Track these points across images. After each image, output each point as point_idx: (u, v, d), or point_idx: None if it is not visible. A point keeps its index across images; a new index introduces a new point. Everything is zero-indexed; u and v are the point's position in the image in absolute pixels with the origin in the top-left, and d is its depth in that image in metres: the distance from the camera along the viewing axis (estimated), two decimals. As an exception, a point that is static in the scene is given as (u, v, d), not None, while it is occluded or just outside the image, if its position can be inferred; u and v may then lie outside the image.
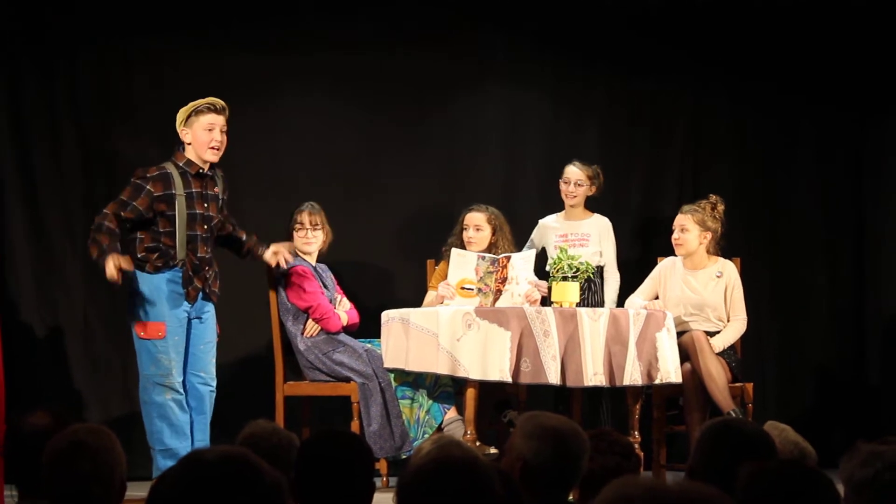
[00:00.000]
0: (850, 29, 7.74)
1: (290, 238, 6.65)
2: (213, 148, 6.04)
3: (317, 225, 6.64)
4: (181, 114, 6.06)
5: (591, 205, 7.19)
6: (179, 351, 6.01)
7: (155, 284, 5.96)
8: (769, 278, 7.81)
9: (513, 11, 7.63)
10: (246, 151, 7.48)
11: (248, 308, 7.34)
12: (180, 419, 5.99)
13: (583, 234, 7.09)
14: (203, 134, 6.02)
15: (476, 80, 7.73)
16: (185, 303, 6.02)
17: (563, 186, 7.11)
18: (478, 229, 6.77)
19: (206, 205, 6.07)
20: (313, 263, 6.68)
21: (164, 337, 5.95)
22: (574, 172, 7.08)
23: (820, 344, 7.87)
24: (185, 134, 6.03)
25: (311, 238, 6.63)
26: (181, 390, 6.02)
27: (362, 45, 7.53)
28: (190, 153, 6.04)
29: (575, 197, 7.08)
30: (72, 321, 7.29)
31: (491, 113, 7.73)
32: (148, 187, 5.95)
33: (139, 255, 5.96)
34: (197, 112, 6.02)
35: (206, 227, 6.07)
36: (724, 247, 6.88)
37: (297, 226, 6.63)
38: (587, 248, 7.02)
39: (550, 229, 7.16)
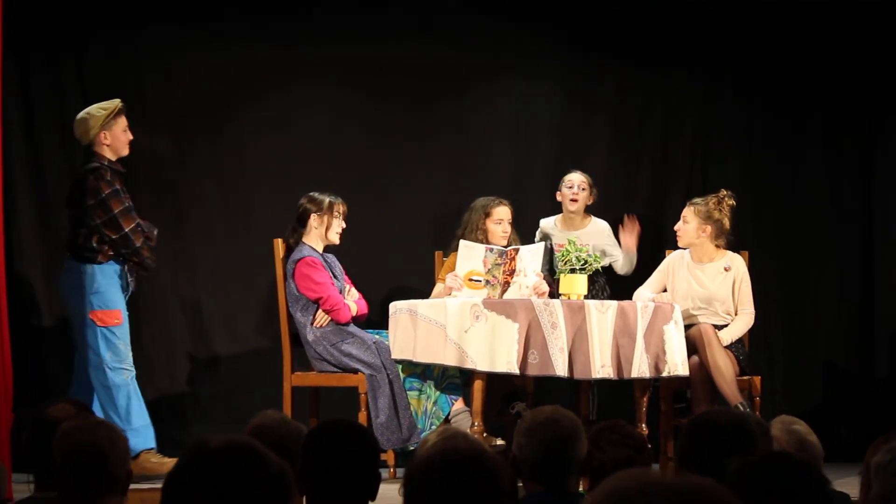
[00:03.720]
0: (860, 22, 7.72)
1: (303, 226, 6.61)
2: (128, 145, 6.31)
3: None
4: (97, 118, 6.20)
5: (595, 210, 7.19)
6: (128, 336, 6.22)
7: (108, 274, 6.15)
8: (778, 272, 7.80)
9: (523, 5, 7.62)
10: (255, 144, 7.49)
11: (256, 298, 7.35)
12: (140, 396, 6.22)
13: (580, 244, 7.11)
14: (122, 135, 6.25)
15: (486, 74, 7.73)
16: (126, 292, 6.25)
17: (566, 192, 7.09)
18: (510, 223, 6.77)
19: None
20: (321, 253, 6.66)
21: (121, 324, 6.16)
22: (579, 177, 7.09)
23: (828, 337, 7.86)
24: (104, 137, 6.20)
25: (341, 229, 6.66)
26: (134, 369, 6.22)
27: (373, 38, 7.53)
28: (106, 152, 6.21)
29: (576, 203, 7.07)
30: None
31: (501, 106, 7.73)
32: (117, 186, 6.15)
33: (93, 246, 6.12)
34: (115, 115, 6.23)
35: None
36: (732, 240, 6.88)
37: (336, 215, 6.62)
38: None
39: (549, 233, 7.17)
